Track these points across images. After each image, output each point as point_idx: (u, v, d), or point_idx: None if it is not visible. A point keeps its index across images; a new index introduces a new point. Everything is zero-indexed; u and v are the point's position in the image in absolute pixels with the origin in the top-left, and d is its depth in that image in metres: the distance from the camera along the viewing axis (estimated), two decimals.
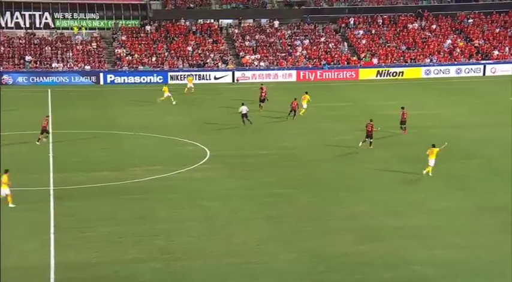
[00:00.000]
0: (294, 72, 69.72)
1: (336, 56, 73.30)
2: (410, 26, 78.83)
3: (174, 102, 53.96)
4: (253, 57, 72.17)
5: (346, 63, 72.20)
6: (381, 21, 79.52)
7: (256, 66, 71.27)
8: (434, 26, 78.93)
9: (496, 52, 74.51)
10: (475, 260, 23.85)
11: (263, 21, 78.79)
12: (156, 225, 27.31)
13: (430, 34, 77.84)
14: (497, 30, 78.71)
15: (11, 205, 28.97)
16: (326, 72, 70.09)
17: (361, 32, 77.50)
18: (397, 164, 36.51)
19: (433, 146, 33.97)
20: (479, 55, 74.51)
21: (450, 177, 33.88)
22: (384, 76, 70.12)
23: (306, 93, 50.54)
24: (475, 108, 51.75)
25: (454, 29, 79.16)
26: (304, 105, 49.39)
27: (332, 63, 71.90)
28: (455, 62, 72.81)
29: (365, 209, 29.24)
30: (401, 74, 70.48)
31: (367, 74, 70.33)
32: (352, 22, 78.79)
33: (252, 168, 36.01)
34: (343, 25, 78.82)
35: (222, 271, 23.25)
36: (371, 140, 39.32)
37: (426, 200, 30.27)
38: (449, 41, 76.24)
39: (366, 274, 22.94)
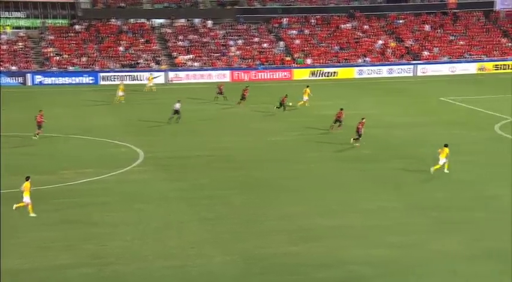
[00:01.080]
0: (228, 72, 69.54)
1: (270, 56, 73.44)
2: (342, 26, 79.69)
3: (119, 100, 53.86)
4: (186, 57, 71.62)
5: (280, 63, 72.42)
6: (314, 21, 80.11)
7: (190, 66, 70.76)
8: (366, 27, 79.98)
9: (426, 52, 75.99)
10: (407, 258, 24.03)
11: (196, 21, 78.31)
12: (88, 230, 26.61)
13: (362, 34, 78.84)
14: (427, 30, 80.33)
15: (32, 215, 27.95)
16: (260, 72, 70.17)
17: (294, 32, 77.89)
18: (332, 163, 36.66)
19: (445, 145, 34.17)
20: (410, 55, 75.86)
21: (383, 176, 34.18)
22: (317, 76, 70.62)
23: (307, 86, 52.58)
24: (407, 108, 52.56)
25: (385, 29, 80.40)
26: (304, 97, 51.50)
27: (266, 63, 71.98)
28: (387, 62, 73.95)
29: (300, 209, 29.20)
30: (334, 74, 71.12)
31: (301, 74, 70.71)
32: (285, 22, 79.10)
33: (186, 169, 35.57)
34: (276, 25, 79.05)
35: (156, 275, 22.79)
36: (358, 137, 39.77)
37: (360, 200, 30.43)
38: (380, 42, 77.41)
39: (301, 275, 22.83)
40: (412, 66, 72.84)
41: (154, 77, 63.67)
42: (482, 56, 76.00)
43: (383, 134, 43.62)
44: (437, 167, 34.17)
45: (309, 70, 71.04)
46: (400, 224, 27.46)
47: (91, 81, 65.47)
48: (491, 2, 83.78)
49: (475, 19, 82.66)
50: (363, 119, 40.51)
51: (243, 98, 53.54)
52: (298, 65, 72.07)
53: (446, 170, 34.13)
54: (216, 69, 70.08)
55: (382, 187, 32.37)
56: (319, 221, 27.78)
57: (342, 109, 43.96)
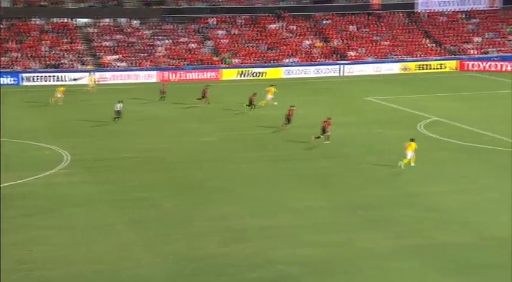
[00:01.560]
0: (155, 72, 68.97)
1: (198, 56, 73.23)
2: (270, 26, 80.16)
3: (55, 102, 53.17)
4: (112, 57, 70.66)
5: (208, 63, 72.30)
6: (241, 21, 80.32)
7: (117, 66, 69.85)
8: (293, 27, 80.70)
9: (351, 53, 77.24)
10: (335, 256, 24.38)
11: (122, 20, 77.32)
12: (13, 235, 25.93)
13: (289, 35, 79.51)
14: (353, 31, 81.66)
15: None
16: (188, 72, 69.85)
17: (222, 32, 77.91)
18: (262, 163, 36.84)
19: (412, 140, 35.39)
20: (337, 55, 76.96)
21: (311, 176, 34.58)
22: (246, 76, 70.83)
23: (271, 86, 53.53)
24: (334, 108, 53.22)
25: (312, 29, 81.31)
26: (268, 96, 51.78)
27: (194, 63, 71.75)
28: (314, 63, 74.79)
29: (232, 210, 29.24)
30: (263, 74, 71.46)
31: (229, 74, 70.76)
32: (212, 22, 79.03)
33: (115, 172, 35.11)
34: (203, 25, 78.89)
35: (84, 279, 22.45)
36: (327, 135, 40.21)
37: (289, 199, 30.69)
38: (307, 42, 78.24)
39: (232, 275, 22.89)
40: (338, 66, 73.89)
41: (96, 80, 62.41)
42: (405, 56, 77.81)
43: (310, 133, 44.06)
44: (406, 161, 35.10)
45: (237, 70, 71.16)
46: (328, 222, 27.83)
47: (13, 82, 63.78)
48: (413, 3, 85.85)
49: (398, 20, 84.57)
50: (329, 118, 41.06)
51: (203, 96, 53.65)
52: (227, 65, 72.11)
53: (412, 164, 35.11)
54: (143, 69, 69.39)
55: (310, 186, 32.74)
56: (250, 221, 27.89)
57: (292, 106, 44.72)
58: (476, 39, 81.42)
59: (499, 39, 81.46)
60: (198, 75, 69.78)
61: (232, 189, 32.27)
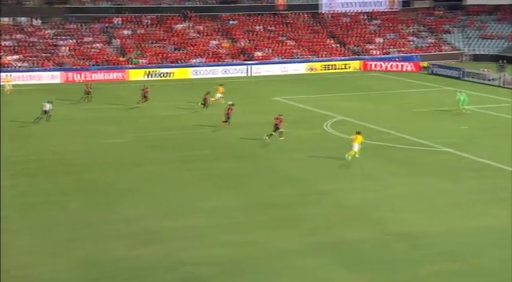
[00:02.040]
0: (58, 73, 67.28)
1: (103, 56, 71.98)
2: (176, 26, 79.74)
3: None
4: (13, 57, 68.49)
5: (114, 64, 71.18)
6: (148, 21, 79.54)
7: (18, 67, 67.74)
8: (200, 27, 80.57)
9: (258, 53, 77.82)
10: (246, 256, 24.49)
11: (22, 19, 75.00)
12: None
13: (196, 35, 79.33)
14: (259, 31, 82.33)
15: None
16: (93, 73, 68.52)
17: (127, 32, 76.89)
18: (171, 165, 36.57)
19: (358, 133, 36.68)
20: (244, 56, 77.36)
21: (221, 176, 34.59)
22: (153, 77, 70.14)
23: (221, 85, 53.37)
24: (243, 108, 53.35)
25: (219, 30, 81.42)
26: (217, 95, 51.83)
27: (99, 64, 70.48)
28: (222, 63, 74.89)
29: (140, 212, 28.89)
30: (170, 74, 70.97)
31: (136, 74, 69.89)
32: (117, 22, 77.89)
33: (18, 175, 34.01)
34: (108, 25, 77.63)
35: None
36: (280, 131, 40.57)
37: (200, 200, 30.59)
38: (214, 42, 78.28)
39: (142, 278, 22.60)
40: (246, 67, 74.26)
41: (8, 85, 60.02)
42: (311, 56, 79.05)
43: (220, 134, 44.15)
44: (352, 154, 35.90)
45: (144, 71, 70.38)
46: (239, 222, 27.90)
47: None
48: (317, 4, 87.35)
49: (302, 21, 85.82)
50: (280, 115, 41.48)
51: (144, 97, 52.73)
52: (133, 66, 71.20)
53: (357, 155, 36.12)
54: (46, 70, 67.58)
55: (221, 186, 32.73)
56: (159, 223, 27.60)
57: (232, 104, 45.43)
58: (378, 40, 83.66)
59: (400, 40, 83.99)
60: (104, 75, 68.57)
61: (141, 191, 31.87)
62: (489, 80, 64.83)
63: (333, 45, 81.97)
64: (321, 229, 27.12)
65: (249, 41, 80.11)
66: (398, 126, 45.73)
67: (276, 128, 41.08)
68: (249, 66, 74.38)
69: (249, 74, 73.47)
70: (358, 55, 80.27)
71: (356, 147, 36.50)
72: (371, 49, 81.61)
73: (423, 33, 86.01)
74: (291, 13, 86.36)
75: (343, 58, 78.89)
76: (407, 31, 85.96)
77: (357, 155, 36.43)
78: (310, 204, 30.23)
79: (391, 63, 76.22)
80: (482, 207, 29.35)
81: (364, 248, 25.09)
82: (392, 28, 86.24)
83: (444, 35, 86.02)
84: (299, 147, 40.36)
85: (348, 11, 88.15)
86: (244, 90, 63.56)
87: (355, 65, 77.24)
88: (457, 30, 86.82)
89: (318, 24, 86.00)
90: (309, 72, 75.45)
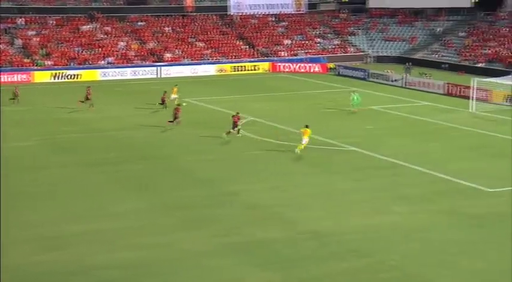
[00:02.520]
0: None
1: (7, 57, 69.87)
2: (83, 27, 78.34)
3: None
4: None
5: (18, 65, 69.23)
6: (53, 22, 77.79)
7: None
8: (107, 28, 79.45)
9: (168, 54, 77.43)
10: (155, 259, 24.27)
11: None
12: None
13: (104, 36, 78.16)
14: (168, 32, 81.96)
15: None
16: None
17: (32, 32, 74.95)
18: (77, 168, 35.92)
19: (306, 126, 37.82)
20: (154, 57, 76.81)
21: (129, 178, 34.22)
22: (60, 79, 68.63)
23: (175, 85, 54.29)
24: (152, 110, 53.04)
25: (127, 31, 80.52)
26: (172, 96, 52.29)
27: (2, 65, 68.41)
28: (131, 64, 74.07)
29: (45, 217, 28.19)
30: (78, 76, 69.63)
31: (42, 76, 68.20)
32: (21, 22, 75.81)
33: None
34: (11, 25, 75.43)
35: None
36: (237, 129, 41.84)
37: (107, 203, 30.15)
38: (123, 43, 77.35)
39: None
40: (155, 68, 73.72)
41: None
42: (220, 58, 79.26)
43: (127, 135, 43.71)
44: (301, 147, 37.08)
45: (50, 72, 68.75)
46: (147, 225, 27.64)
47: None
48: (226, 6, 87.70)
49: (212, 22, 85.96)
50: (238, 113, 42.74)
51: (87, 99, 51.46)
52: (39, 67, 69.43)
53: (303, 147, 37.58)
54: None
55: (130, 189, 32.37)
56: (65, 227, 27.02)
57: (179, 105, 46.14)
58: (286, 41, 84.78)
59: (307, 42, 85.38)
60: (7, 77, 66.53)
61: (45, 195, 31.12)
62: (393, 80, 66.79)
63: (242, 46, 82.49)
64: (231, 229, 27.21)
65: (158, 42, 79.56)
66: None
67: (235, 125, 41.68)
68: (159, 67, 73.88)
69: (159, 76, 72.99)
70: (267, 56, 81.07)
71: (305, 140, 37.49)
72: (279, 51, 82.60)
73: (329, 35, 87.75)
74: (200, 15, 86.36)
75: (252, 59, 79.50)
76: (314, 33, 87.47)
77: (303, 147, 37.59)
78: (220, 205, 30.30)
79: (299, 64, 77.41)
80: (387, 205, 30.18)
81: (274, 247, 25.33)
82: (299, 30, 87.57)
83: (349, 37, 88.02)
84: (209, 148, 40.42)
85: (256, 13, 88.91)
86: (154, 91, 63.00)
87: (264, 66, 77.98)
88: (361, 33, 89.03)
89: (227, 26, 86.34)
90: (219, 73, 75.62)
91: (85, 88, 53.15)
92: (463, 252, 24.71)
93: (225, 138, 41.37)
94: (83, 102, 51.79)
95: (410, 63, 72.77)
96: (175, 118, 45.42)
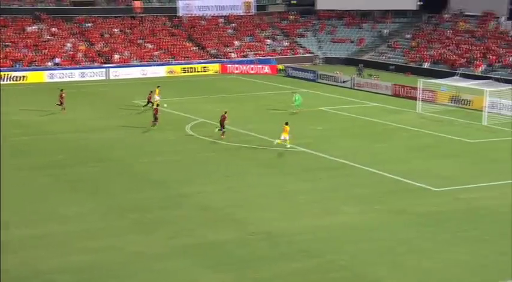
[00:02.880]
0: None
1: None
2: (29, 28, 77.14)
3: None
4: None
5: None
6: None
7: None
8: (54, 29, 78.39)
9: (117, 56, 76.80)
10: (107, 262, 24.21)
11: None
12: None
13: (50, 37, 77.10)
14: (117, 34, 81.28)
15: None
16: None
17: None
18: (25, 172, 35.46)
19: (286, 123, 39.98)
20: (102, 58, 76.08)
21: (80, 181, 33.95)
22: (5, 80, 67.41)
23: (158, 86, 53.81)
24: (101, 112, 52.68)
25: (74, 32, 79.58)
26: (156, 97, 51.71)
27: None
28: (79, 66, 73.22)
29: None
30: (24, 78, 68.53)
31: None
32: None
33: None
34: None
35: None
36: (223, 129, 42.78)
37: (58, 206, 29.88)
38: (70, 45, 76.41)
39: None
40: (104, 70, 73.04)
41: None
42: (170, 59, 78.98)
43: (77, 138, 43.30)
44: (288, 141, 39.17)
45: None
46: (99, 228, 27.51)
47: None
48: (175, 7, 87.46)
49: (161, 24, 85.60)
50: (225, 112, 43.48)
51: (61, 103, 50.64)
52: None
53: (281, 142, 39.59)
54: None
55: (80, 192, 32.12)
56: (15, 232, 26.66)
57: (158, 105, 46.60)
58: (236, 43, 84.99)
59: (256, 43, 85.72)
60: None
61: None
62: (342, 82, 67.62)
63: (192, 48, 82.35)
64: (183, 231, 27.26)
65: (107, 43, 78.87)
66: (258, 127, 46.73)
67: (221, 124, 43.10)
68: (107, 69, 73.23)
69: (108, 78, 72.34)
70: (217, 58, 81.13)
71: (284, 137, 39.74)
72: (229, 52, 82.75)
73: (278, 36, 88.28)
74: (149, 16, 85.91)
75: (202, 61, 79.44)
76: (263, 34, 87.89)
77: (277, 141, 39.89)
78: (172, 207, 30.32)
79: (249, 66, 77.68)
80: (337, 205, 30.62)
81: (227, 248, 25.49)
82: (249, 31, 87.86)
83: (298, 38, 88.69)
84: (161, 150, 40.36)
85: (205, 15, 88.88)
86: (103, 93, 62.55)
87: (214, 67, 78.01)
88: (310, 34, 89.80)
89: (176, 27, 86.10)
90: (169, 75, 75.35)
91: (58, 91, 52.30)
92: (411, 251, 25.26)
93: (218, 135, 42.81)
94: (59, 105, 51.18)
95: (362, 65, 73.71)
96: (155, 119, 45.86)
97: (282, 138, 39.69)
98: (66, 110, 50.90)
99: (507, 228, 27.50)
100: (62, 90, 52.41)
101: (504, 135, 44.90)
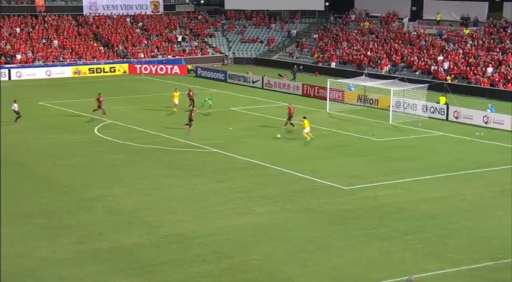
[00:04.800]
0: None
1: None
2: None
3: None
4: None
5: None
6: None
7: None
8: None
9: (19, 56, 74.54)
10: (13, 268, 23.39)
11: None
12: None
13: None
14: (19, 33, 78.91)
15: None
16: None
17: None
18: None
19: (304, 117, 43.00)
20: (4, 58, 73.67)
21: None
22: None
23: (176, 90, 53.05)
24: (4, 113, 50.93)
25: None
26: (175, 101, 52.02)
27: None
28: None
29: None
30: None
31: None
32: None
33: None
34: None
35: None
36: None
37: None
38: None
39: None
40: (6, 70, 70.73)
41: None
42: (76, 59, 77.25)
43: None
44: (309, 135, 42.25)
45: None
46: (3, 233, 26.47)
47: None
48: (80, 6, 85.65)
49: (66, 23, 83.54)
50: (194, 106, 46.39)
51: (99, 107, 48.58)
52: None
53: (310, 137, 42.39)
54: None
55: None
56: None
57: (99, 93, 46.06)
58: (145, 42, 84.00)
59: (165, 43, 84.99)
60: None
61: None
62: (252, 82, 67.89)
63: (99, 48, 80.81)
64: (93, 236, 26.67)
65: (8, 43, 76.36)
66: (169, 129, 46.33)
67: (190, 119, 44.66)
68: (10, 69, 70.95)
69: (10, 78, 70.07)
70: (125, 58, 79.94)
71: (306, 130, 42.34)
72: (137, 52, 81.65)
73: (188, 36, 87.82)
74: (53, 15, 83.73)
75: (110, 61, 78.10)
76: (172, 34, 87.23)
77: (310, 137, 42.46)
78: (80, 211, 29.60)
79: (158, 66, 76.86)
80: (248, 205, 30.63)
81: (138, 252, 25.08)
82: (157, 31, 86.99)
83: (208, 38, 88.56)
84: (68, 153, 39.38)
85: (112, 14, 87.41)
86: (4, 94, 60.47)
87: (122, 68, 76.83)
88: (219, 34, 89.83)
89: (82, 26, 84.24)
90: (75, 75, 73.66)
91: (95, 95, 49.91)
92: (321, 249, 25.56)
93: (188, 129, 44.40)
94: (95, 110, 48.70)
95: (300, 67, 73.09)
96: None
97: (306, 131, 42.46)
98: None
99: (413, 224, 28.25)
100: (99, 94, 49.98)
101: (409, 134, 46.19)
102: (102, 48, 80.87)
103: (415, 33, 75.70)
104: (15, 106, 47.22)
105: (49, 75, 72.07)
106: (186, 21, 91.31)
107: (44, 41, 78.62)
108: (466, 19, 75.62)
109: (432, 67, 66.77)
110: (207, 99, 52.45)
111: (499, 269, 23.89)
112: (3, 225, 27.48)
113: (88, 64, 76.13)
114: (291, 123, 45.46)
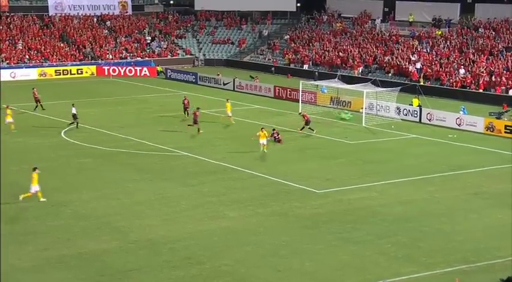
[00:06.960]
0: None
1: None
2: None
3: None
4: None
5: None
6: None
7: None
8: None
9: None
10: None
11: None
12: None
13: None
14: None
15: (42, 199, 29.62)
16: None
17: None
18: None
19: (262, 129, 40.24)
20: None
21: None
22: None
23: (228, 100, 51.20)
24: None
25: None
26: (228, 113, 49.88)
27: None
28: None
29: None
30: None
31: None
32: None
33: None
34: None
35: None
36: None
37: None
38: None
39: None
40: None
41: None
42: (42, 61, 75.93)
43: None
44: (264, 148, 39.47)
45: None
46: None
47: None
48: (46, 6, 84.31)
49: (30, 23, 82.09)
50: (198, 108, 45.61)
51: (195, 122, 45.42)
52: None
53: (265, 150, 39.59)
54: None
55: None
56: None
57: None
58: (113, 44, 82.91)
59: (134, 44, 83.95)
60: None
61: None
62: (223, 84, 67.31)
63: (65, 49, 79.49)
64: (60, 242, 26.00)
65: None
66: (138, 132, 45.61)
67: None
68: None
69: None
70: (93, 60, 78.77)
71: (264, 141, 39.61)
72: (105, 53, 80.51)
73: (157, 37, 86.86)
74: (17, 15, 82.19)
75: (77, 63, 76.90)
76: (141, 35, 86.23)
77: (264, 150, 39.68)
78: (47, 216, 28.89)
79: (127, 68, 75.81)
80: (220, 209, 30.12)
81: (107, 258, 24.52)
82: (125, 32, 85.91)
83: (178, 39, 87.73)
84: (33, 157, 38.45)
85: (78, 14, 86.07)
86: None
87: (90, 69, 75.67)
88: (189, 35, 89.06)
89: (48, 27, 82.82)
90: (41, 77, 72.35)
91: (192, 111, 47.29)
92: (294, 254, 25.15)
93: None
94: (191, 125, 45.65)
95: (317, 72, 70.53)
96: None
97: (264, 142, 39.76)
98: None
99: (386, 228, 27.95)
100: (197, 108, 46.86)
101: (382, 136, 45.99)
102: (68, 49, 79.44)
103: (388, 34, 75.69)
104: (74, 110, 46.62)
105: (13, 77, 70.69)
106: (155, 22, 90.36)
107: (7, 42, 77.10)
108: (438, 20, 75.83)
109: (405, 67, 66.49)
110: (342, 113, 51.57)
111: (472, 272, 23.70)
112: None
113: (54, 66, 74.83)
114: (310, 128, 45.36)
